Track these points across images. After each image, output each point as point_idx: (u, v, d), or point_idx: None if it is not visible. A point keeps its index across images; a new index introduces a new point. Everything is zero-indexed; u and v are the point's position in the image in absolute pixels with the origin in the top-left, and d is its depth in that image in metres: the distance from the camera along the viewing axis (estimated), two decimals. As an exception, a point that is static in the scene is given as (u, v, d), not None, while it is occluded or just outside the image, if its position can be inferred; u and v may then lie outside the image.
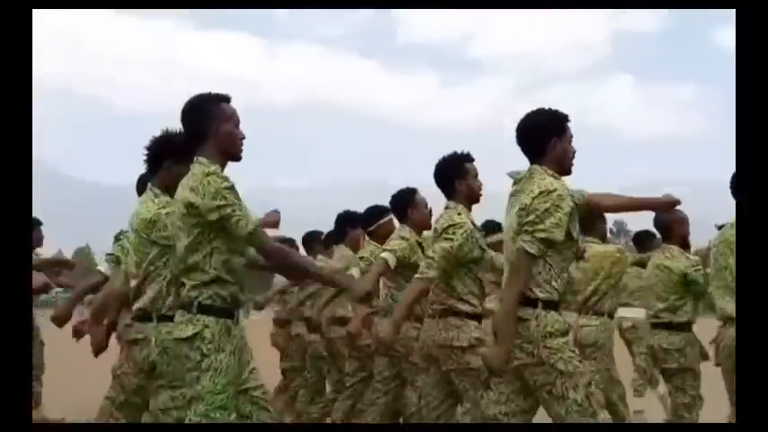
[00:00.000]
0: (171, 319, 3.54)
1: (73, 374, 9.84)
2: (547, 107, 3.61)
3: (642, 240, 7.51)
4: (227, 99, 3.41)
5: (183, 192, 3.28)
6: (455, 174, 4.45)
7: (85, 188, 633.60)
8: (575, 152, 3.58)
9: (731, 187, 4.67)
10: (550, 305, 3.38)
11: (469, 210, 4.47)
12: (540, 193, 3.37)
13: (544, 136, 3.54)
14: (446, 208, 4.46)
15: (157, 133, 3.99)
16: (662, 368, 5.68)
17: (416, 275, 4.28)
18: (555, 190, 3.37)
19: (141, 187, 4.44)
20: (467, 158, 4.48)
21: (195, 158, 3.35)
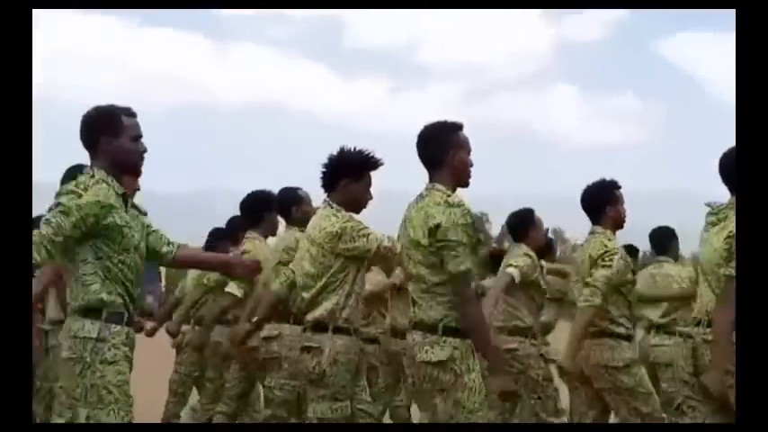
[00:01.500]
0: (347, 331, 3.89)
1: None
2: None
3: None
4: (460, 127, 3.52)
5: (426, 214, 3.35)
6: (607, 200, 4.53)
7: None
8: None
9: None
10: None
11: (614, 234, 4.52)
12: None
13: None
14: (593, 233, 4.50)
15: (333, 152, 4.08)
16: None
17: (582, 303, 4.34)
18: None
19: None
20: (616, 185, 4.58)
21: (432, 185, 3.45)
